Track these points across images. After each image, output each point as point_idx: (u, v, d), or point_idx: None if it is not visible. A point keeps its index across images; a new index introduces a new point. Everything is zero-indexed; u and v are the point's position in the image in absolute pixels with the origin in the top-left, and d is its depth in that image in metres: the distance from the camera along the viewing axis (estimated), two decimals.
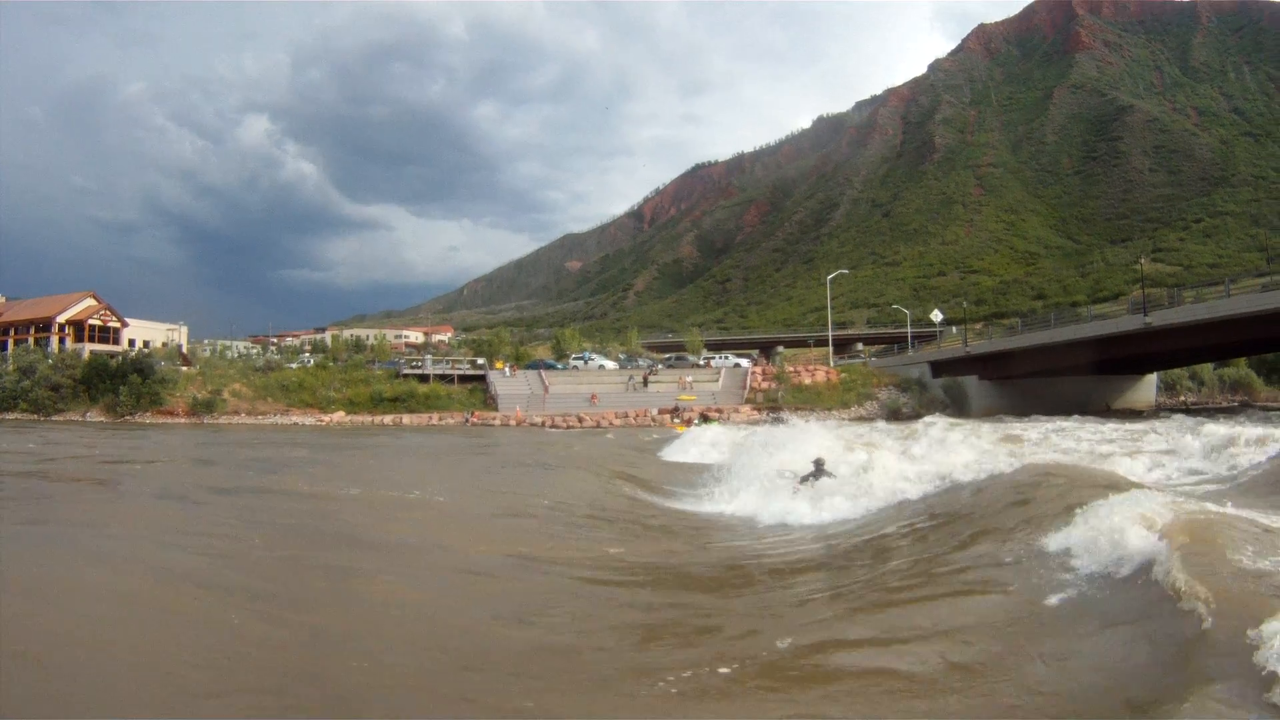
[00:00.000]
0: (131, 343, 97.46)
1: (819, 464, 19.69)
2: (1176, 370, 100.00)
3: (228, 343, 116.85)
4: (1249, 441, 20.68)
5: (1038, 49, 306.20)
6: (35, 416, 70.66)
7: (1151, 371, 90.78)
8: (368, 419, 74.44)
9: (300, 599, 10.13)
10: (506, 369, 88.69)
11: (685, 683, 7.11)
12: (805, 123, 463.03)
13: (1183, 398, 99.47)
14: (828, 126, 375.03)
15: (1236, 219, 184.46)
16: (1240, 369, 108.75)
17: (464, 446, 44.33)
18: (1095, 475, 13.61)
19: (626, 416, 73.83)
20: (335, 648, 8.16)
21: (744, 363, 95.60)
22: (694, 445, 37.91)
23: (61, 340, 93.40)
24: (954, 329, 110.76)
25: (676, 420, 68.32)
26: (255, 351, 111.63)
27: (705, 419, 65.32)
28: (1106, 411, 73.45)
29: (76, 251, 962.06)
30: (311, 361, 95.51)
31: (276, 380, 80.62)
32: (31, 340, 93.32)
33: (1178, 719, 5.16)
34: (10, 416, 70.54)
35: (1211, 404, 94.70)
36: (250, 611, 9.18)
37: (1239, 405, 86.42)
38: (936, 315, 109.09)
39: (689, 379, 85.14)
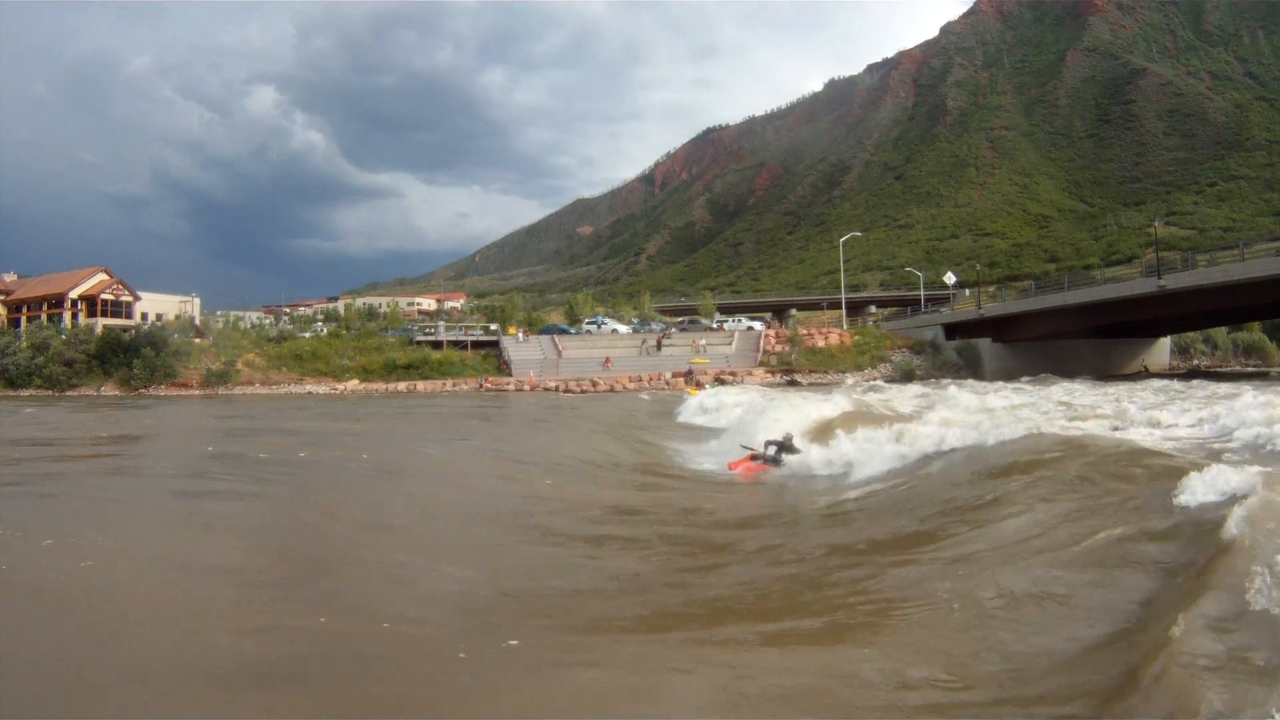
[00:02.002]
0: (144, 316, 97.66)
1: (787, 439, 19.59)
2: (1190, 334, 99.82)
3: (240, 314, 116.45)
4: None
5: (1050, 11, 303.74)
6: (50, 392, 70.93)
7: (1165, 335, 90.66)
8: (381, 386, 74.77)
9: None
10: (519, 334, 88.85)
11: None
12: (816, 86, 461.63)
13: (1196, 361, 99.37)
14: (839, 90, 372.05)
15: (1250, 183, 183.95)
16: (1254, 333, 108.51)
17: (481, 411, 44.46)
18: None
19: (640, 380, 74.09)
20: None
21: (757, 326, 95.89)
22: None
23: (74, 316, 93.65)
24: (967, 292, 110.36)
25: (690, 384, 68.27)
26: (268, 322, 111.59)
27: (720, 382, 65.45)
28: (1143, 374, 73.89)
29: (87, 227, 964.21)
30: (324, 330, 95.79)
31: (290, 350, 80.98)
32: (44, 316, 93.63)
33: None
34: (25, 393, 70.83)
35: (1227, 368, 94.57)
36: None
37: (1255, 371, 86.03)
38: (950, 278, 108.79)
39: (702, 342, 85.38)
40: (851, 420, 21.73)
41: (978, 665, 6.37)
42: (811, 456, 18.71)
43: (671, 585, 9.42)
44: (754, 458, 19.04)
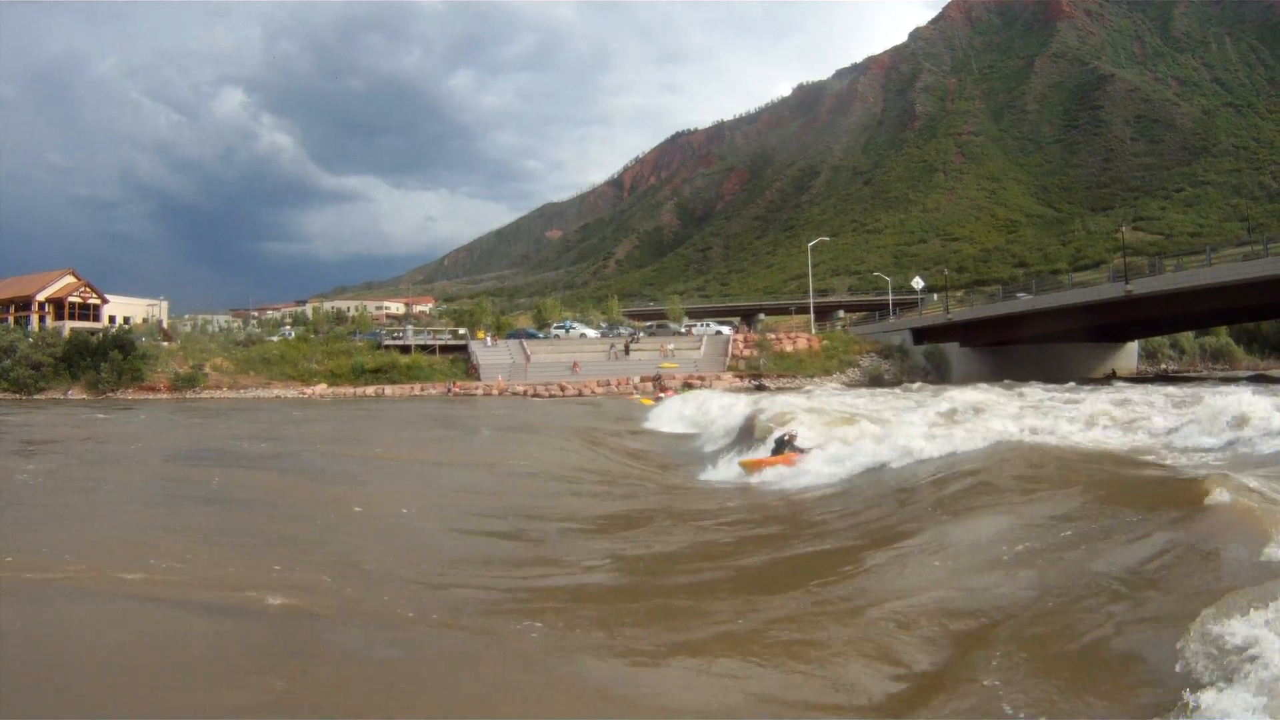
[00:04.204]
0: (112, 319, 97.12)
1: (791, 437, 19.70)
2: (1157, 338, 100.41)
3: (208, 317, 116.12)
4: None
5: (1018, 17, 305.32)
6: (16, 395, 70.22)
7: (1133, 339, 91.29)
8: (350, 390, 74.42)
9: None
10: (488, 339, 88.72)
11: None
12: (785, 91, 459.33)
13: (1164, 365, 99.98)
14: (808, 95, 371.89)
15: (1218, 188, 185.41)
16: (1221, 337, 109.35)
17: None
18: None
19: (609, 385, 74.02)
20: None
21: (725, 330, 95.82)
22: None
23: (42, 318, 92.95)
24: (935, 296, 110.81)
25: (656, 389, 67.72)
26: (236, 325, 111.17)
27: (689, 386, 65.24)
28: (1111, 379, 74.21)
29: (55, 229, 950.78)
30: (293, 334, 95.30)
31: (258, 354, 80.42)
32: (11, 319, 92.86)
33: None
34: None
35: (1194, 373, 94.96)
36: None
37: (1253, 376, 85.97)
38: (918, 282, 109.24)
39: (671, 347, 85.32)
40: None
41: None
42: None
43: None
44: (775, 452, 19.16)
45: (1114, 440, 20.73)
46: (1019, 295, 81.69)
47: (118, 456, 23.68)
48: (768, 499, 16.16)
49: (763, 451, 20.18)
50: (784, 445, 19.26)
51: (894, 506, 12.98)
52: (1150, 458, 15.95)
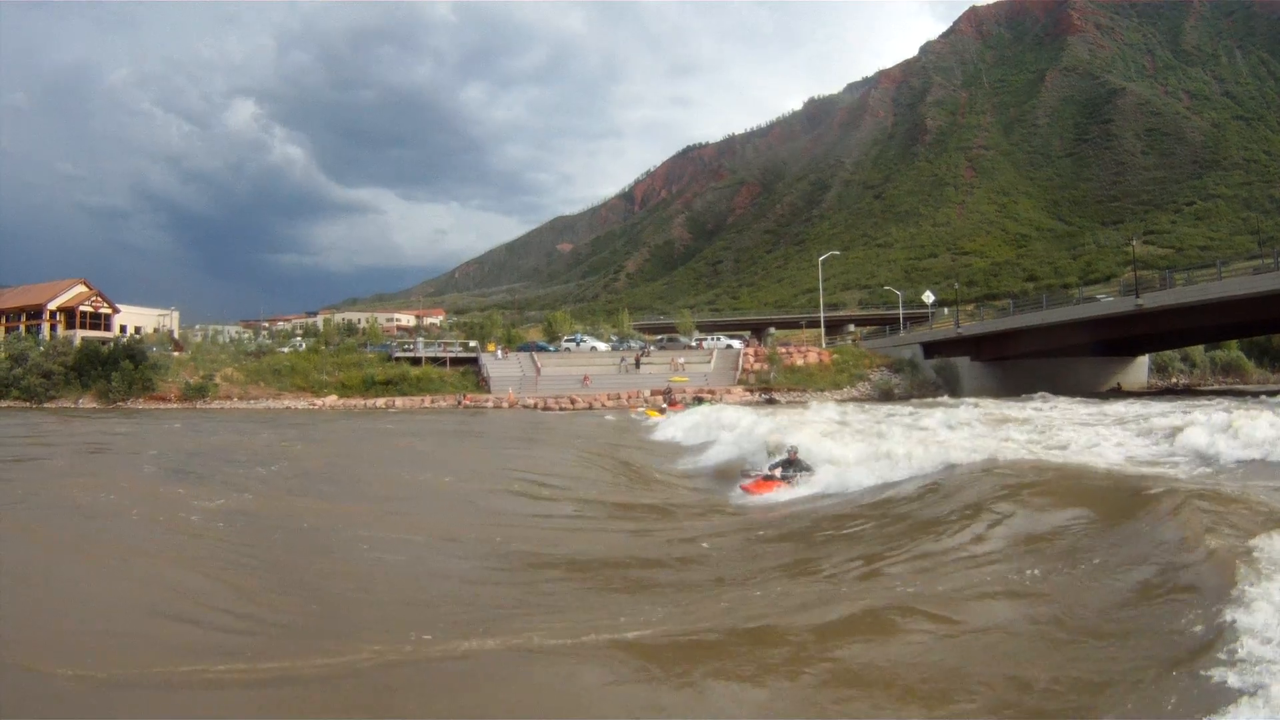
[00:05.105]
0: (123, 329, 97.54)
1: (792, 452, 19.70)
2: (1168, 352, 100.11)
3: (219, 327, 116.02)
4: None
5: (1029, 31, 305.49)
6: (28, 404, 70.49)
7: (1143, 353, 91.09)
8: (360, 402, 74.49)
9: None
10: (498, 351, 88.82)
11: None
12: (796, 105, 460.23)
13: (1174, 379, 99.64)
14: (819, 108, 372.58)
15: (1228, 202, 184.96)
16: (1231, 351, 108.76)
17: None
18: None
19: (619, 398, 74.05)
20: None
21: (736, 344, 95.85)
22: None
23: (53, 327, 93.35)
24: (945, 310, 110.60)
25: (667, 403, 67.52)
26: (247, 336, 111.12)
27: (699, 400, 65.16)
28: (1118, 392, 74.33)
29: (66, 238, 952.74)
30: (303, 345, 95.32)
31: (269, 364, 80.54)
32: (23, 328, 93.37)
33: None
34: (2, 404, 70.41)
35: (1204, 386, 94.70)
36: None
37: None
38: (928, 297, 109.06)
39: (681, 360, 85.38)
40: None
41: None
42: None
43: None
44: (766, 478, 19.07)
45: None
46: (1029, 310, 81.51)
47: (275, 486, 20.09)
48: (772, 517, 16.05)
49: (767, 469, 20.05)
50: (790, 464, 19.24)
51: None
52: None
